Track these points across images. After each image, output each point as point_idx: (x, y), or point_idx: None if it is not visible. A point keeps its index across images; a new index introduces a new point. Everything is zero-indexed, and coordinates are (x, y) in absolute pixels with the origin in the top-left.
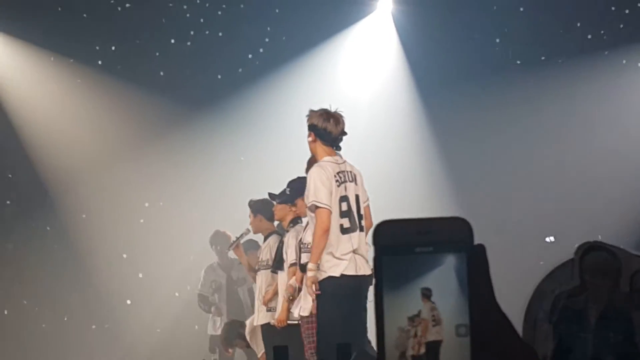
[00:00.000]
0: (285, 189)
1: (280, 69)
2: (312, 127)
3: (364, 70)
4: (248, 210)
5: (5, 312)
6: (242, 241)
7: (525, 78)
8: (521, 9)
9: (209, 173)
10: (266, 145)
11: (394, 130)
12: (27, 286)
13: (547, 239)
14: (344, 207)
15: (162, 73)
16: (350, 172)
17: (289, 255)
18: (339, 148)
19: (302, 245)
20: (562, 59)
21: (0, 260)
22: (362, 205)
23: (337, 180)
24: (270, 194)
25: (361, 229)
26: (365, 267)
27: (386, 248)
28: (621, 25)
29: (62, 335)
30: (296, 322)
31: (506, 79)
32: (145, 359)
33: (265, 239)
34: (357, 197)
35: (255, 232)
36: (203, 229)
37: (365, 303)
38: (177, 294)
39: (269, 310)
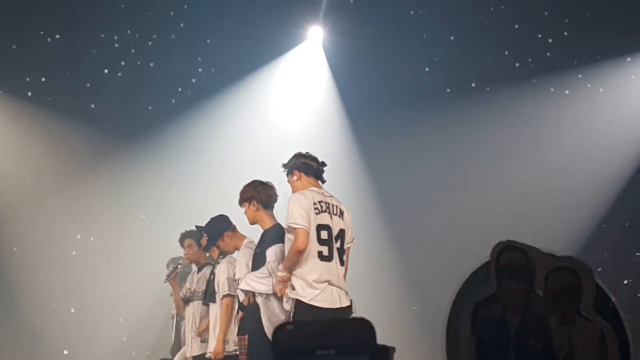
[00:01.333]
0: (204, 233)
1: (211, 98)
2: (294, 167)
3: (295, 99)
4: (185, 240)
5: None
6: (178, 271)
7: (455, 105)
8: (451, 38)
9: (141, 204)
10: (198, 175)
11: (325, 158)
12: None
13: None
14: (324, 235)
15: (93, 105)
16: (337, 206)
17: (222, 287)
18: (323, 180)
19: (235, 282)
20: (490, 86)
21: None
22: (346, 242)
23: (316, 208)
24: (197, 227)
25: (341, 263)
26: (342, 299)
27: (286, 352)
28: (548, 54)
29: None
30: (233, 352)
31: (436, 106)
32: None
33: (200, 269)
34: (341, 231)
35: (191, 261)
36: (134, 260)
37: None
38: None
39: (202, 341)
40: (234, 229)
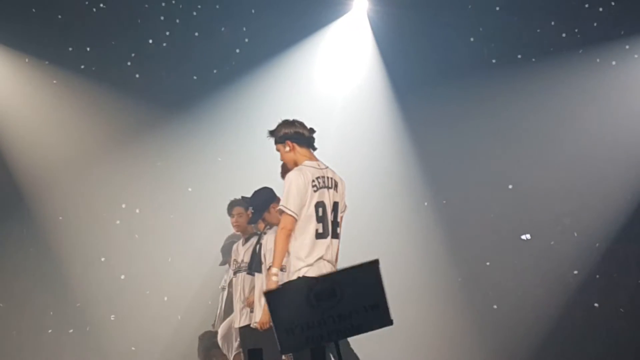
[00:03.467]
0: (249, 205)
1: (256, 69)
2: (284, 137)
3: (340, 70)
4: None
5: None
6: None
7: (500, 76)
8: (497, 8)
9: (186, 174)
10: (243, 145)
11: (369, 129)
12: (4, 290)
13: (523, 237)
14: (320, 212)
15: (137, 75)
16: (331, 178)
17: (268, 258)
18: (315, 147)
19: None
20: (536, 57)
21: None
22: (339, 213)
23: (314, 186)
24: (243, 197)
25: (335, 236)
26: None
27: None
28: (595, 24)
29: (39, 338)
30: None
31: (481, 77)
32: (130, 358)
33: (247, 240)
34: (335, 204)
35: (239, 230)
36: (180, 230)
37: None
38: (166, 298)
39: (252, 311)
40: (278, 200)
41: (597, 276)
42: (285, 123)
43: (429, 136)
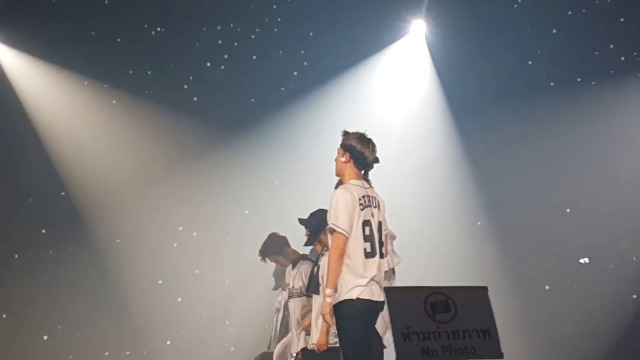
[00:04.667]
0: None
1: (313, 92)
2: (348, 148)
3: (397, 93)
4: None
5: (45, 338)
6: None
7: (559, 99)
8: (554, 31)
9: (243, 196)
10: (300, 168)
11: (427, 153)
12: (62, 312)
13: (581, 260)
14: (367, 231)
15: (195, 98)
16: (375, 198)
17: (326, 280)
18: (367, 175)
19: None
20: (595, 80)
21: (37, 287)
22: (383, 233)
23: (361, 204)
24: (300, 220)
25: (381, 256)
26: (379, 294)
27: None
28: None
29: None
30: (335, 344)
31: (540, 100)
32: None
33: (294, 266)
34: (379, 223)
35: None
36: (237, 251)
37: (374, 326)
38: (227, 322)
39: (307, 334)
40: None
41: None
42: (359, 137)
43: (487, 159)
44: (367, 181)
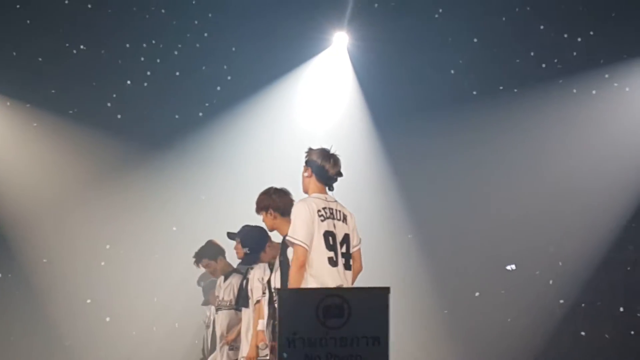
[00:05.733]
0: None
1: (237, 106)
2: (310, 163)
3: (321, 104)
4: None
5: None
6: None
7: (481, 108)
8: (475, 40)
9: (169, 213)
10: (226, 183)
11: (350, 164)
12: None
13: (508, 267)
14: (330, 241)
15: (119, 116)
16: (340, 211)
17: (255, 292)
18: (332, 188)
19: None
20: (517, 88)
21: None
22: (352, 247)
23: (321, 215)
24: (229, 234)
25: (348, 268)
26: None
27: None
28: (574, 53)
29: None
30: (265, 358)
31: (462, 109)
32: None
33: (225, 278)
34: (346, 236)
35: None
36: (165, 268)
37: None
38: (156, 340)
39: (231, 348)
40: (270, 239)
41: (583, 305)
42: (319, 152)
43: (411, 169)
44: (330, 195)
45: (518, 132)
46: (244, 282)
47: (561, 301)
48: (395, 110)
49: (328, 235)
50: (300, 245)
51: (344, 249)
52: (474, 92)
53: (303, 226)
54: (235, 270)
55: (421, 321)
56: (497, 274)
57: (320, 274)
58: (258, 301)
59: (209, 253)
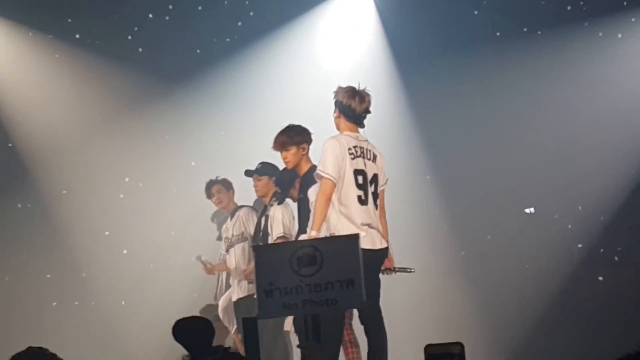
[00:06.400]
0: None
1: (258, 42)
2: (337, 104)
3: (342, 43)
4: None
5: None
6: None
7: (505, 50)
8: None
9: (189, 147)
10: (245, 119)
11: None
12: (9, 264)
13: (527, 210)
14: (360, 179)
15: (140, 49)
16: (370, 151)
17: (275, 229)
18: (363, 125)
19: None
20: (541, 30)
21: None
22: (379, 186)
23: (351, 153)
24: (247, 171)
25: (376, 207)
26: (382, 241)
27: None
28: None
29: (44, 311)
30: None
31: (485, 51)
32: (132, 333)
33: (233, 214)
34: (375, 175)
35: (222, 207)
36: (182, 202)
37: (378, 274)
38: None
39: (250, 282)
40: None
41: (602, 250)
42: (345, 91)
43: (432, 110)
44: (361, 134)
45: (541, 74)
46: (263, 219)
47: (579, 245)
48: (418, 50)
49: (358, 173)
50: (329, 179)
51: (372, 189)
52: (497, 34)
53: (333, 161)
54: (242, 206)
55: (437, 262)
56: (516, 217)
57: (350, 211)
58: (278, 237)
59: (223, 183)
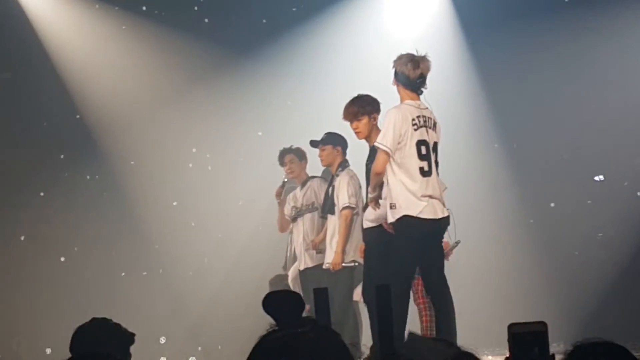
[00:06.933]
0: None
1: (325, 11)
2: (394, 73)
3: (409, 12)
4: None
5: (62, 259)
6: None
7: (574, 17)
8: None
9: (256, 118)
10: (313, 89)
11: (439, 72)
12: (78, 234)
13: (596, 178)
14: (423, 150)
15: (206, 20)
16: (431, 118)
17: (341, 199)
18: (421, 92)
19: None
20: None
21: (53, 209)
22: (439, 153)
23: (414, 124)
24: (312, 142)
25: (438, 174)
26: (443, 210)
27: None
28: None
29: (114, 280)
30: (350, 264)
31: (553, 18)
32: (201, 303)
33: (303, 185)
34: (435, 144)
35: (294, 177)
36: (249, 172)
37: (441, 244)
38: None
39: (318, 252)
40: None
41: None
42: (399, 59)
43: (499, 78)
44: (422, 101)
45: (613, 43)
46: (330, 189)
47: None
48: (484, 18)
49: (421, 144)
50: (385, 150)
51: (434, 157)
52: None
53: (393, 133)
54: (313, 177)
55: (506, 229)
56: (585, 185)
57: (411, 183)
58: (345, 207)
59: (297, 152)
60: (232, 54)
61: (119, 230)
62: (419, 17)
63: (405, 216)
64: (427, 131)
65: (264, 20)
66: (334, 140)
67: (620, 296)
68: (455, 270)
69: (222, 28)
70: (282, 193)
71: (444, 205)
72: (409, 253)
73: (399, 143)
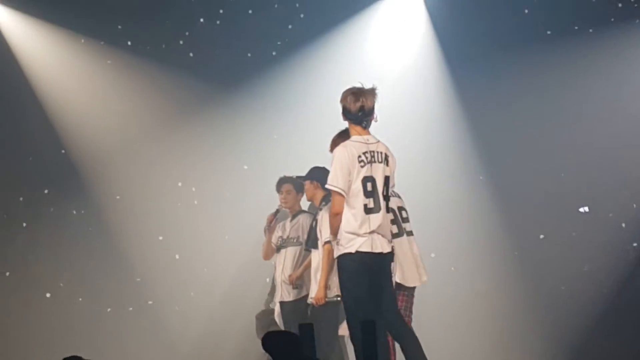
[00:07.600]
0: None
1: (309, 45)
2: (341, 108)
3: (393, 44)
4: (283, 185)
5: (47, 295)
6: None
7: (556, 48)
8: None
9: (241, 152)
10: (298, 122)
11: (423, 103)
12: (64, 270)
13: (581, 209)
14: (369, 187)
15: (191, 54)
16: (382, 152)
17: (324, 233)
18: (366, 126)
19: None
20: (592, 28)
21: (37, 244)
22: (390, 187)
23: (361, 161)
24: (298, 177)
25: (387, 211)
26: (384, 245)
27: None
28: None
29: (100, 316)
30: (334, 298)
31: (536, 50)
32: (187, 338)
33: (294, 217)
34: (386, 178)
35: (287, 207)
36: (235, 206)
37: (388, 280)
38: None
39: (295, 287)
40: None
41: None
42: (343, 93)
43: (484, 110)
44: (372, 136)
45: (593, 73)
46: (314, 222)
47: (634, 244)
48: (468, 50)
49: (367, 181)
50: (339, 192)
51: (383, 191)
52: (548, 32)
53: (342, 173)
54: (304, 212)
55: (492, 259)
56: (569, 216)
57: (356, 220)
58: (327, 242)
59: (296, 183)
60: (217, 87)
61: (104, 265)
62: (402, 49)
63: (345, 254)
64: (376, 166)
65: (249, 54)
66: (311, 175)
67: (607, 331)
68: (439, 303)
69: (207, 62)
70: (273, 220)
71: (389, 242)
72: (354, 288)
73: (349, 181)
